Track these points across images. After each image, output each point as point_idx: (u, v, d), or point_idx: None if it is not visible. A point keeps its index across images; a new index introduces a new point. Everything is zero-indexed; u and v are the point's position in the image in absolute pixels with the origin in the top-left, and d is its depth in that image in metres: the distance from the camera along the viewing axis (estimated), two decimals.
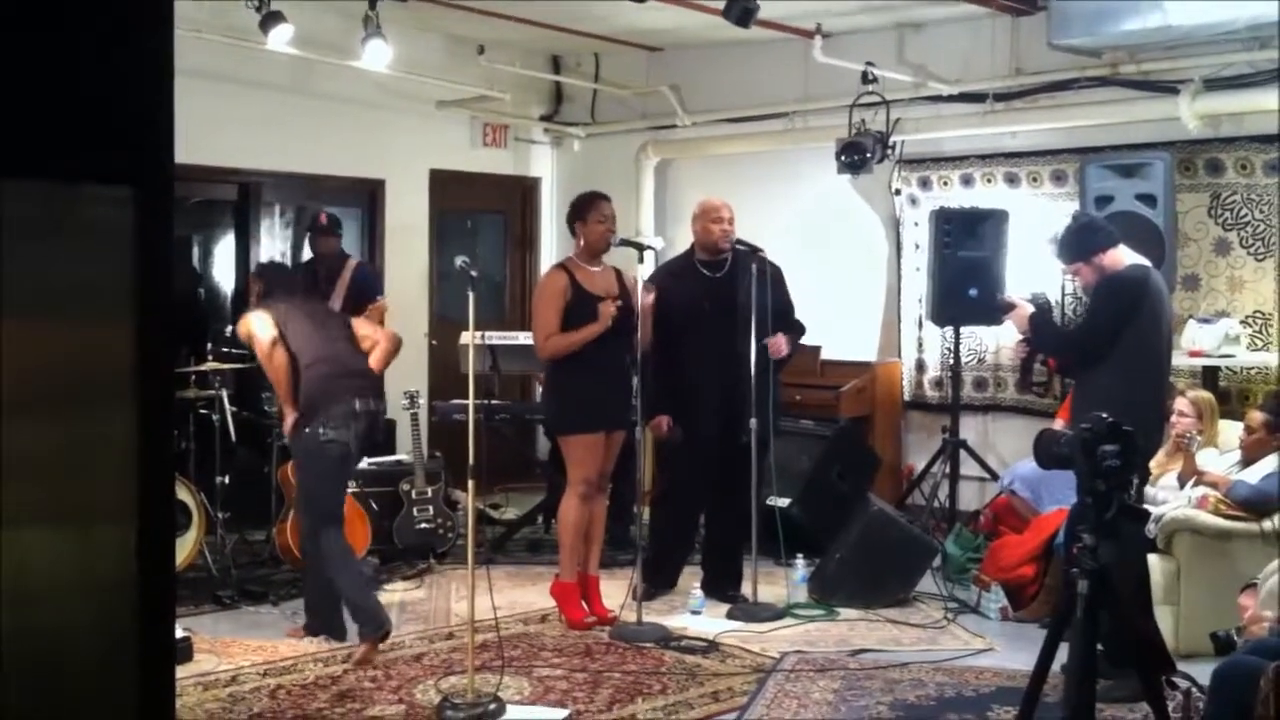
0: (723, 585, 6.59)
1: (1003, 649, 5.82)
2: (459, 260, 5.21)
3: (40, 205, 1.41)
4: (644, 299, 6.13)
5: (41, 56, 1.43)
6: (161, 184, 1.48)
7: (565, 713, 4.93)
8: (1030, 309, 5.47)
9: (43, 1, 1.43)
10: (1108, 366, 5.12)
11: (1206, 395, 6.38)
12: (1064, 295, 7.67)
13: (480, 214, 10.33)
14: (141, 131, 1.47)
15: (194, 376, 6.86)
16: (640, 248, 6.21)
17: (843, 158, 7.93)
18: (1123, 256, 5.24)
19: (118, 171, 1.45)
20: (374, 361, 5.78)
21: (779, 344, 6.44)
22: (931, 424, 8.42)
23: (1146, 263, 5.45)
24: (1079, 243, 5.29)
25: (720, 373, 6.40)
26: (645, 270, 6.21)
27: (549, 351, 6.07)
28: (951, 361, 7.98)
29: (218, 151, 7.90)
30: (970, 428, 8.11)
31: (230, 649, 5.62)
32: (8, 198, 1.37)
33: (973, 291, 7.60)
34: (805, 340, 8.24)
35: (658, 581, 6.47)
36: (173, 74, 1.51)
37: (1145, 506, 4.80)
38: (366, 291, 7.71)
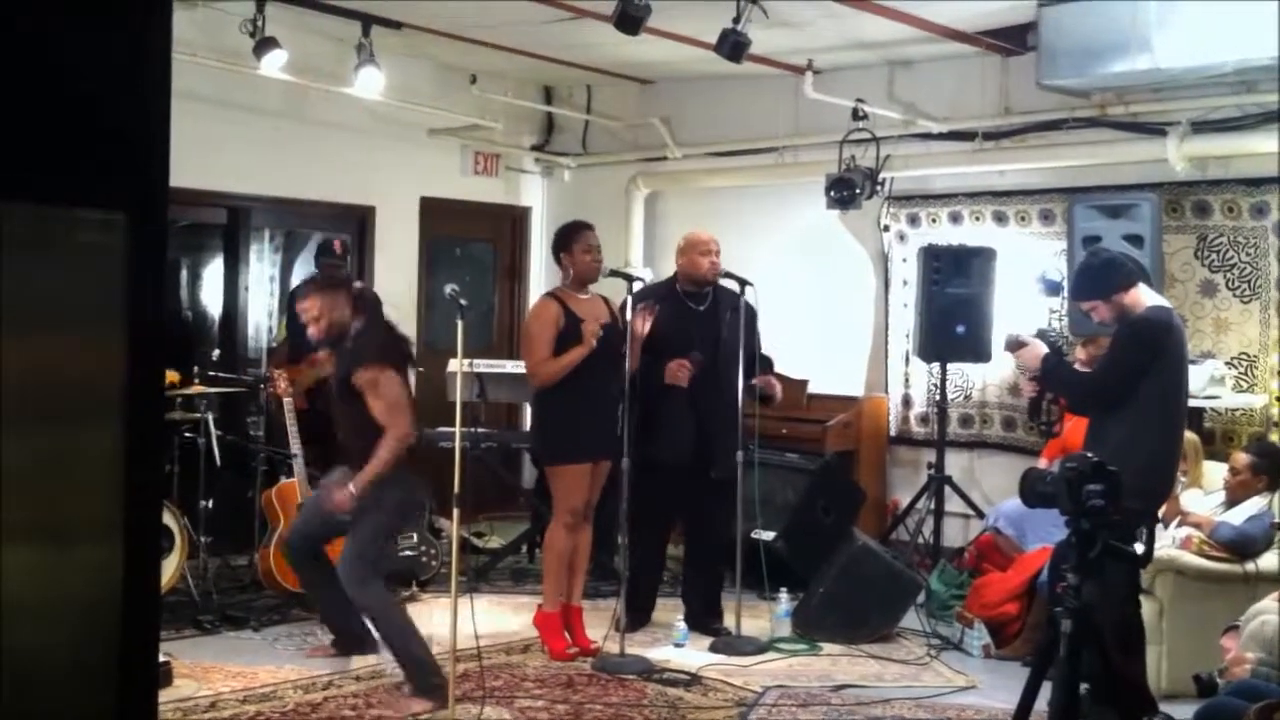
0: (703, 618, 6.57)
1: (985, 686, 5.81)
2: (448, 288, 5.21)
3: (34, 228, 1.41)
4: (635, 323, 6.11)
5: (37, 80, 1.43)
6: (156, 210, 1.48)
7: None
8: (1043, 348, 5.30)
9: (39, 25, 1.43)
10: (1125, 409, 5.00)
11: (1191, 436, 6.38)
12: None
13: (470, 242, 10.34)
14: (137, 157, 1.47)
15: (179, 399, 6.83)
16: (629, 278, 6.22)
17: (832, 193, 7.96)
18: (1143, 296, 5.13)
19: (113, 197, 1.45)
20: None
21: (772, 382, 6.46)
22: (917, 460, 8.43)
23: (1167, 303, 5.38)
24: (1101, 280, 5.15)
25: (695, 404, 6.40)
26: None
27: (541, 377, 6.07)
28: (938, 398, 7.99)
29: (208, 175, 7.89)
30: (955, 464, 8.11)
31: (210, 674, 5.59)
32: (2, 220, 1.37)
33: (960, 328, 7.62)
34: (792, 374, 8.28)
35: (631, 616, 6.39)
36: (170, 98, 1.51)
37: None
38: None
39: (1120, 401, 5.01)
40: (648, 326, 6.15)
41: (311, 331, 5.63)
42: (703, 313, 6.56)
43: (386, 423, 5.36)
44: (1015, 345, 5.45)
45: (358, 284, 7.77)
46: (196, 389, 6.84)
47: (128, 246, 1.47)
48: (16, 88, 1.41)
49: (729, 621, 6.50)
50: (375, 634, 5.53)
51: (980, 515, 7.67)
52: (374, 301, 5.81)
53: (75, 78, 1.46)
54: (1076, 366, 6.37)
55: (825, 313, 8.76)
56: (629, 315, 6.08)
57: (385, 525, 5.52)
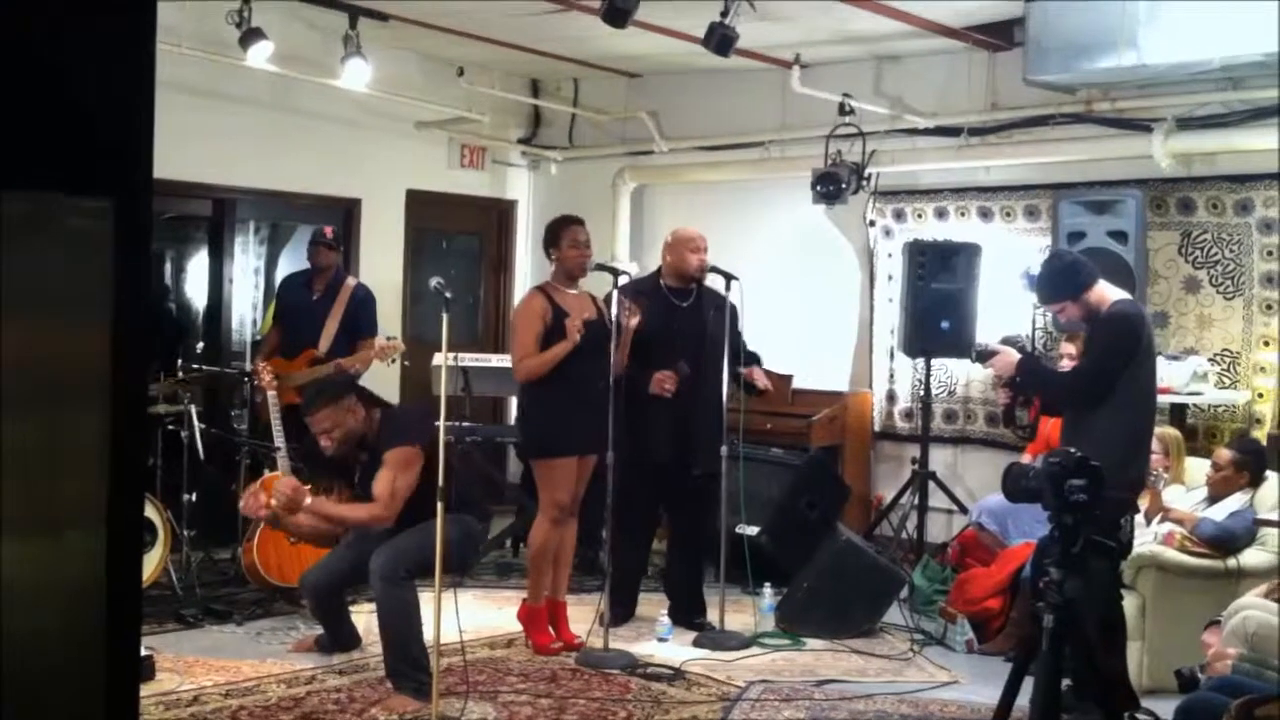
0: (687, 613, 6.57)
1: (968, 681, 5.82)
2: (433, 281, 5.19)
3: (19, 215, 1.41)
4: (627, 319, 6.10)
5: (23, 67, 1.42)
6: (141, 197, 1.48)
7: None
8: (1016, 354, 5.34)
9: (25, 13, 1.43)
10: (1104, 404, 5.04)
11: (1174, 432, 6.42)
12: (1034, 330, 7.71)
13: (456, 235, 10.33)
14: (122, 144, 1.47)
15: (163, 392, 6.81)
16: (615, 272, 6.21)
17: (818, 188, 7.97)
18: (1107, 292, 5.20)
19: (98, 183, 1.45)
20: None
21: (757, 372, 6.47)
22: (901, 455, 8.45)
23: (1129, 296, 5.45)
24: (1067, 281, 5.20)
25: (679, 400, 6.39)
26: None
27: (523, 372, 6.06)
28: (922, 393, 8.01)
29: (193, 166, 7.87)
30: (939, 460, 8.13)
31: (193, 668, 5.57)
32: None
33: (945, 324, 7.63)
34: (777, 369, 8.28)
35: (615, 611, 6.34)
36: (154, 87, 1.51)
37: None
38: (363, 318, 7.46)
39: (1104, 396, 5.04)
40: (636, 320, 6.14)
41: (325, 444, 5.41)
42: (687, 309, 6.55)
43: (381, 499, 5.24)
44: (986, 355, 5.49)
45: (351, 280, 7.77)
46: (180, 380, 6.81)
47: (113, 234, 1.46)
48: (1, 77, 1.40)
49: (713, 616, 6.50)
50: (378, 629, 5.44)
51: (964, 510, 7.69)
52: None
53: (59, 67, 1.45)
54: (1065, 363, 6.41)
55: (810, 307, 8.77)
56: (614, 310, 6.07)
57: (428, 543, 5.09)
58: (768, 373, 6.73)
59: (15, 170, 1.40)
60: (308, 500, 5.28)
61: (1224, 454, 6.03)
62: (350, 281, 7.63)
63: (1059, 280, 5.26)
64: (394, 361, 7.31)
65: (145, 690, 5.10)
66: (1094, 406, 5.08)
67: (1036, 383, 5.42)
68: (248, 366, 7.70)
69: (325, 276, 7.55)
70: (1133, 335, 5.10)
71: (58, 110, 1.45)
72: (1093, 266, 5.32)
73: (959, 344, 7.66)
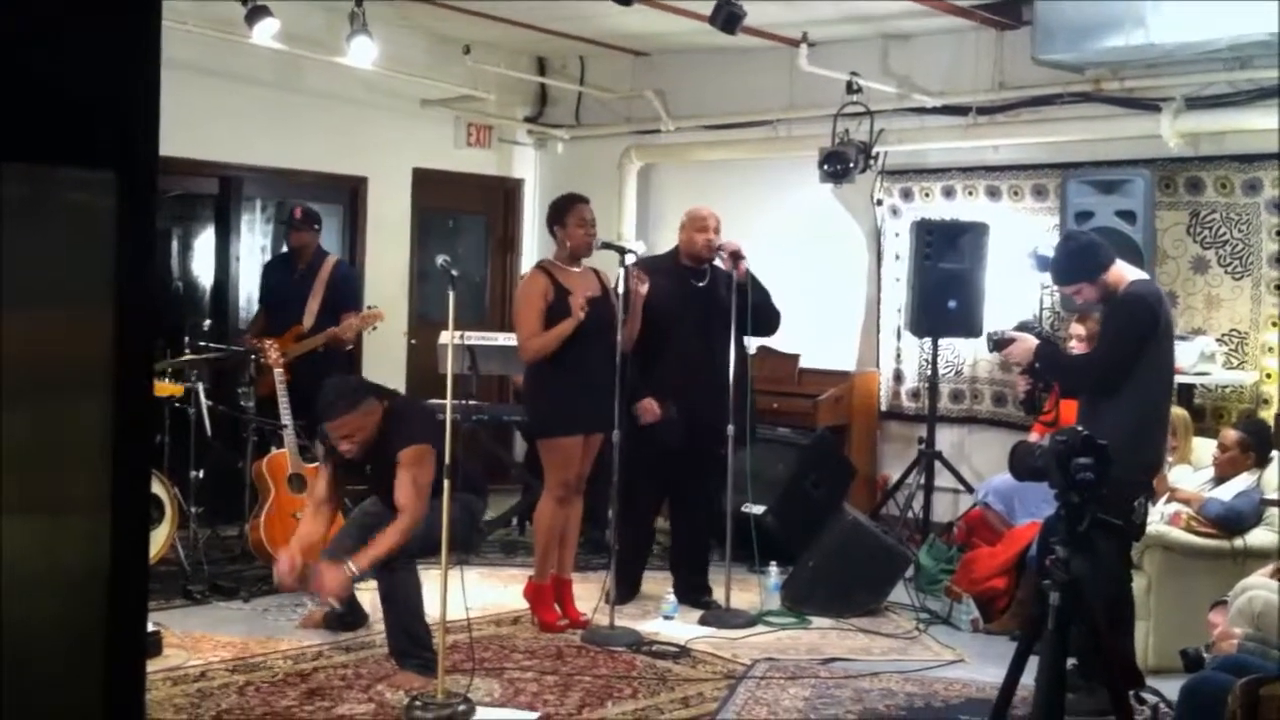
0: (692, 591, 6.58)
1: (973, 661, 5.83)
2: (440, 259, 5.18)
3: (20, 188, 1.40)
4: (636, 288, 6.10)
5: (26, 39, 1.42)
6: (145, 171, 1.47)
7: (535, 715, 4.93)
8: (1033, 340, 5.26)
9: None
10: (1123, 385, 5.01)
11: (1181, 412, 6.40)
12: (1042, 310, 7.70)
13: (462, 214, 10.31)
14: (126, 117, 1.46)
15: (170, 370, 6.81)
16: (622, 251, 6.20)
17: (825, 167, 7.95)
18: (1124, 272, 5.14)
19: (101, 156, 1.44)
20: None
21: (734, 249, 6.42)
22: (907, 435, 8.44)
23: (1145, 275, 5.40)
24: (1084, 263, 5.13)
25: (693, 378, 6.40)
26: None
27: (530, 352, 6.06)
28: (929, 373, 8.00)
29: (200, 144, 7.86)
30: (946, 439, 8.12)
31: (200, 644, 5.60)
32: None
33: (952, 303, 7.62)
34: (784, 348, 8.28)
35: (620, 589, 6.36)
36: (159, 60, 1.50)
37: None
38: (345, 293, 7.55)
39: (1123, 378, 5.01)
40: (645, 287, 6.13)
41: (346, 448, 5.30)
42: (703, 289, 6.55)
43: (407, 505, 5.17)
44: (1003, 343, 5.38)
45: (332, 257, 7.77)
46: (187, 359, 6.82)
47: (118, 207, 1.45)
48: (2, 48, 1.39)
49: (718, 595, 6.52)
50: (381, 608, 5.43)
51: (970, 490, 7.69)
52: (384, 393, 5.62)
53: (63, 38, 1.44)
54: (1073, 344, 6.39)
55: (817, 287, 8.75)
56: (622, 284, 6.06)
57: (435, 524, 5.02)
58: (773, 352, 6.71)
59: (12, 141, 1.39)
60: (352, 568, 5.16)
61: (1230, 434, 6.02)
62: (330, 259, 7.69)
63: (1076, 262, 5.19)
64: (375, 329, 7.34)
65: (152, 666, 5.13)
66: (1114, 390, 5.05)
67: (1056, 368, 5.32)
68: (244, 345, 7.69)
69: (304, 256, 7.60)
70: (1150, 315, 5.04)
71: (56, 79, 1.44)
72: (1108, 247, 5.25)
73: (966, 323, 7.65)
